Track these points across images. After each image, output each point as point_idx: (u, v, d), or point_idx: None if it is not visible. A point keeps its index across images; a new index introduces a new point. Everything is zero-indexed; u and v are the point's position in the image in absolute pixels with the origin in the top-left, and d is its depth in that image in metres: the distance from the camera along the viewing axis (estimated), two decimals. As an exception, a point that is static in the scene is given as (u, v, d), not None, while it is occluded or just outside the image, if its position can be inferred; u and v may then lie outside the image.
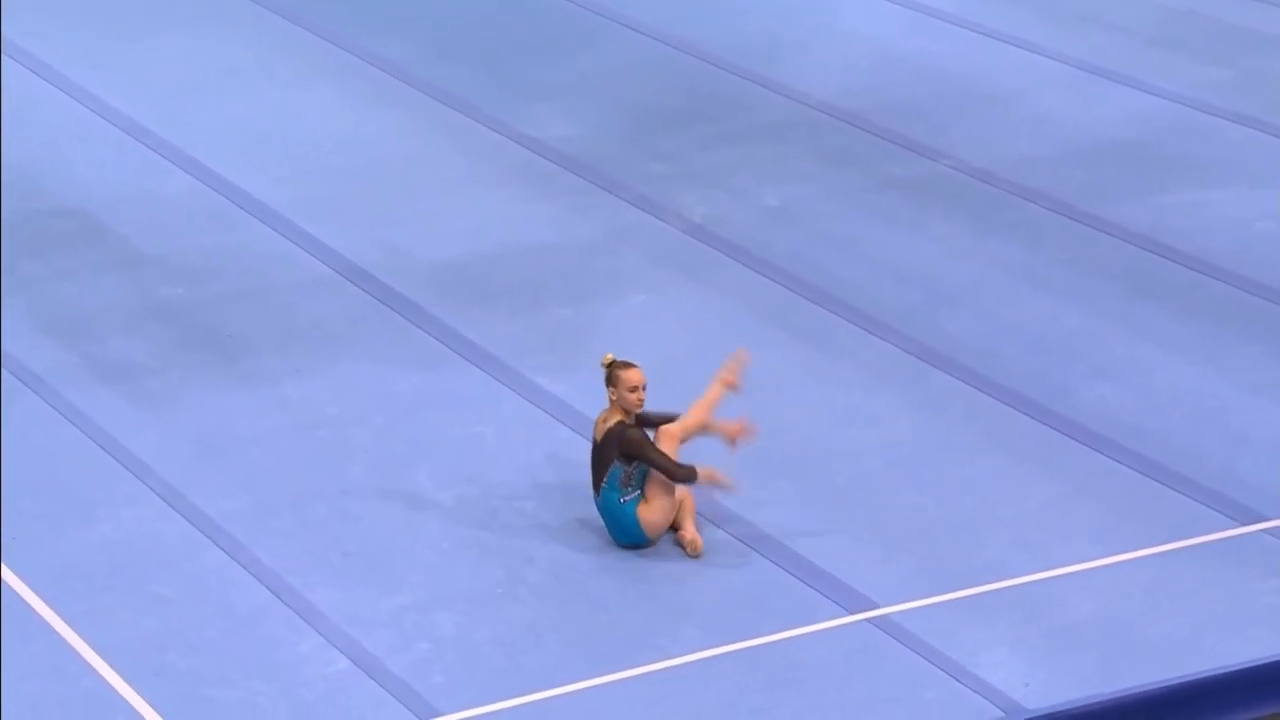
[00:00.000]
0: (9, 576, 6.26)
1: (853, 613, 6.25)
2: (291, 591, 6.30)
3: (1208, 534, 6.65)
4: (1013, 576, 6.43)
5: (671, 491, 6.46)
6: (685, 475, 6.40)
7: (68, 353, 7.67)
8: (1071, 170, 9.29)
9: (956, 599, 6.32)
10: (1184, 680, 5.92)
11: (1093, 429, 7.28)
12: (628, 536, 6.46)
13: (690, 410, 6.64)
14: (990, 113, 9.87)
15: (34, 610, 6.10)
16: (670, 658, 6.03)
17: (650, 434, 6.55)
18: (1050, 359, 7.78)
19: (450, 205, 8.99)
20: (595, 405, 7.42)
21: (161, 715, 5.69)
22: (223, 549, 6.50)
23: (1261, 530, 6.65)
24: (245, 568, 6.41)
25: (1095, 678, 5.98)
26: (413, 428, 7.27)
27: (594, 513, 6.69)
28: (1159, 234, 8.70)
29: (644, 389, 6.49)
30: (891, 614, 6.24)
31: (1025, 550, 6.57)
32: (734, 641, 6.09)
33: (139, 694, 5.77)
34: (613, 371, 6.53)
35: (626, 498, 6.43)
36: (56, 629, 6.03)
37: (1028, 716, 5.80)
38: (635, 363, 6.55)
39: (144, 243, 8.55)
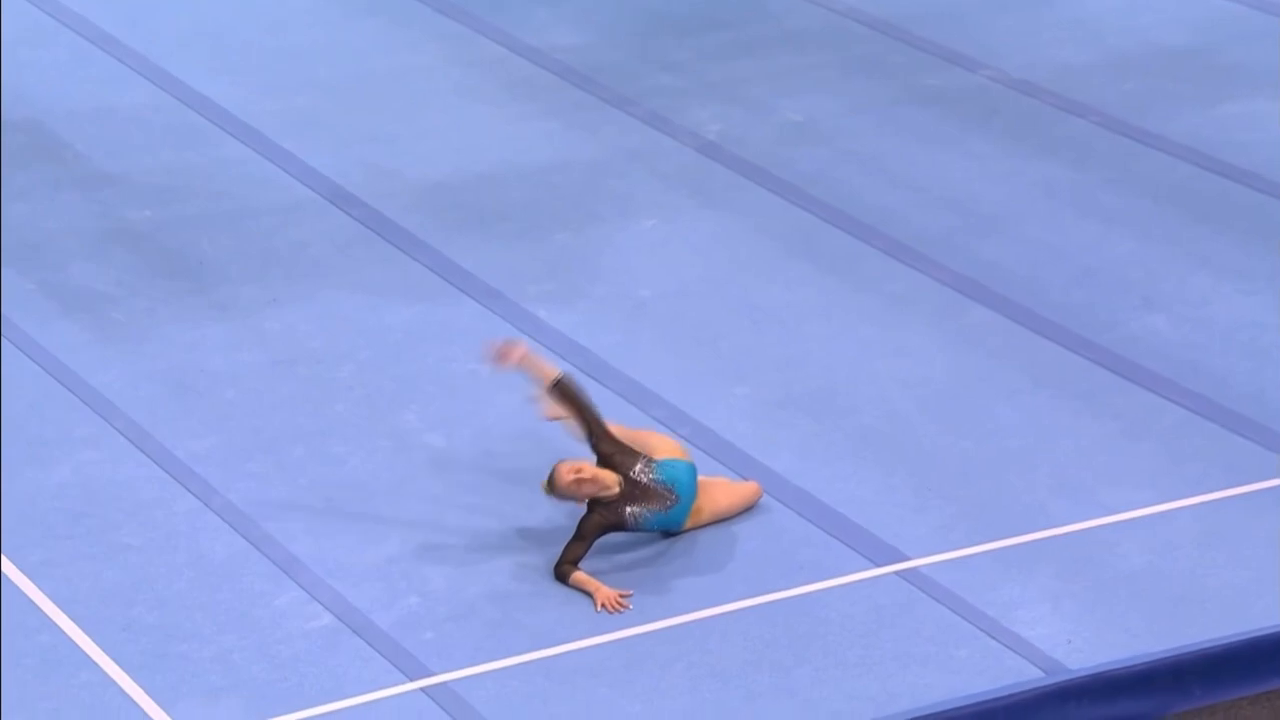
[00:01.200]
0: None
1: (880, 565, 6.22)
2: (269, 541, 6.27)
3: (1270, 479, 6.59)
4: (1055, 525, 6.39)
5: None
6: (560, 574, 6.04)
7: (23, 280, 7.62)
8: (1122, 80, 9.18)
9: (993, 550, 6.28)
10: (1243, 637, 5.88)
11: (1144, 365, 7.21)
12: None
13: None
14: (1032, 17, 9.74)
15: (-13, 559, 6.09)
16: (683, 613, 6.00)
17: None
18: (1098, 289, 7.71)
19: (443, 122, 8.91)
20: (600, 339, 7.36)
21: (128, 672, 5.68)
22: (194, 494, 6.46)
23: (1328, 475, 6.60)
24: (219, 515, 6.37)
25: (1146, 634, 5.94)
26: (402, 364, 7.22)
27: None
28: (1219, 150, 8.60)
29: (581, 471, 6.02)
30: (922, 566, 6.20)
31: (1069, 496, 6.52)
32: (752, 596, 6.06)
33: (103, 650, 5.75)
34: (552, 489, 6.11)
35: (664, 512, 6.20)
36: (13, 580, 6.01)
37: (1071, 677, 5.76)
38: (557, 466, 6.08)
39: (106, 160, 8.47)
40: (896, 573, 6.18)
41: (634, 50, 9.45)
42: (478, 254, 7.92)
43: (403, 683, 5.72)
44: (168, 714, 5.54)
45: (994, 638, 5.93)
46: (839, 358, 7.29)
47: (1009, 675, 5.78)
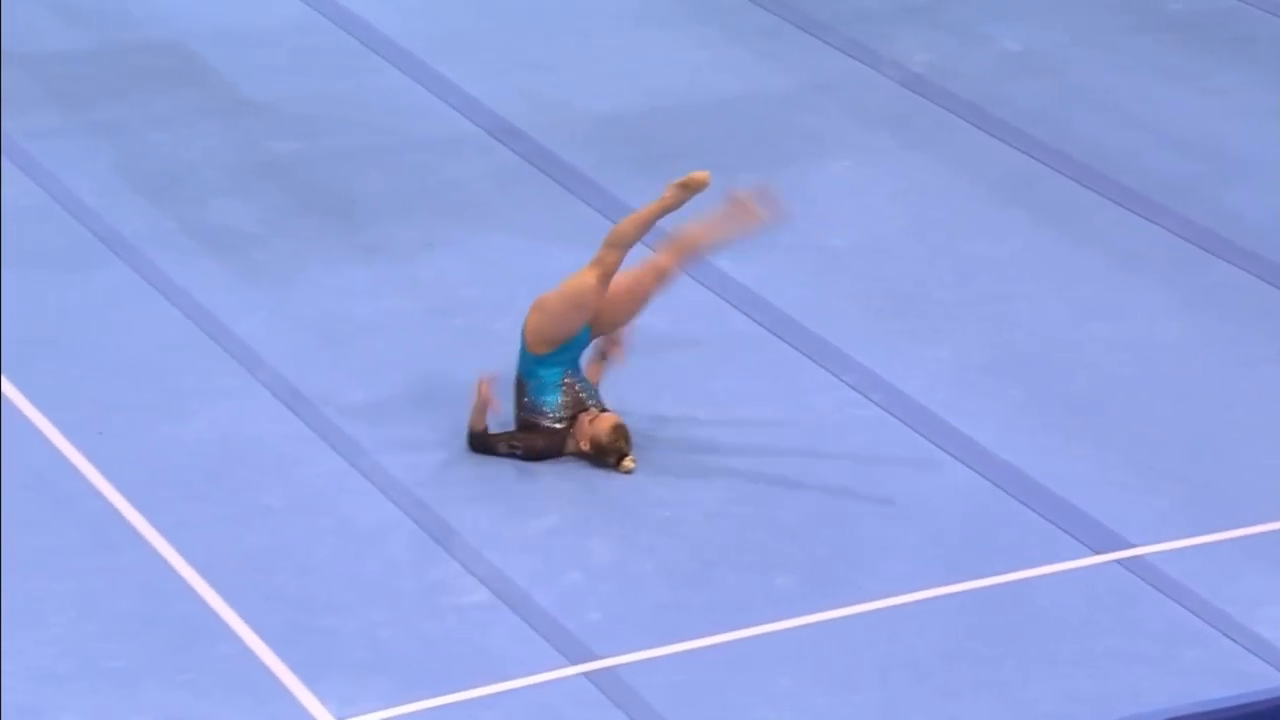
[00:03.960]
0: (93, 476, 6.44)
1: (1099, 552, 6.17)
2: (421, 506, 6.38)
3: None
4: (1305, 512, 6.30)
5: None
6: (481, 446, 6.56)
7: (161, 215, 7.82)
8: (1400, 5, 8.96)
9: (1232, 538, 6.21)
10: None
11: None
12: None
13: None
14: (1292, -65, 9.52)
15: (121, 516, 6.27)
16: (874, 599, 6.02)
17: None
18: (1361, 246, 7.55)
19: (616, 47, 8.95)
20: (787, 293, 7.38)
21: (269, 645, 5.82)
22: (341, 454, 6.59)
23: None
24: (366, 477, 6.50)
25: None
26: (566, 315, 7.29)
27: (781, 423, 6.69)
28: None
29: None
30: (1148, 555, 6.15)
31: (1322, 481, 6.43)
32: (952, 582, 6.06)
33: (243, 619, 5.89)
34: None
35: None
36: (148, 539, 6.19)
37: (1320, 686, 5.69)
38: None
39: (251, 86, 8.64)
40: (1118, 561, 6.14)
41: (831, -31, 9.43)
42: (651, 196, 7.92)
43: (564, 666, 5.80)
44: (311, 691, 5.67)
45: (1230, 637, 5.86)
46: (1055, 318, 7.22)
47: (1247, 681, 5.72)
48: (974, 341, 7.12)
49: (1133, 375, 6.93)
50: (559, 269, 7.55)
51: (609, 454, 6.49)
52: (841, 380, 6.91)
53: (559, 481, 6.49)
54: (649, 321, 7.27)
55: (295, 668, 5.74)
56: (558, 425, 6.50)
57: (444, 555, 6.18)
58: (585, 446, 6.50)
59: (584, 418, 6.50)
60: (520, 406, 6.56)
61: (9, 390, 6.78)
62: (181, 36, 8.94)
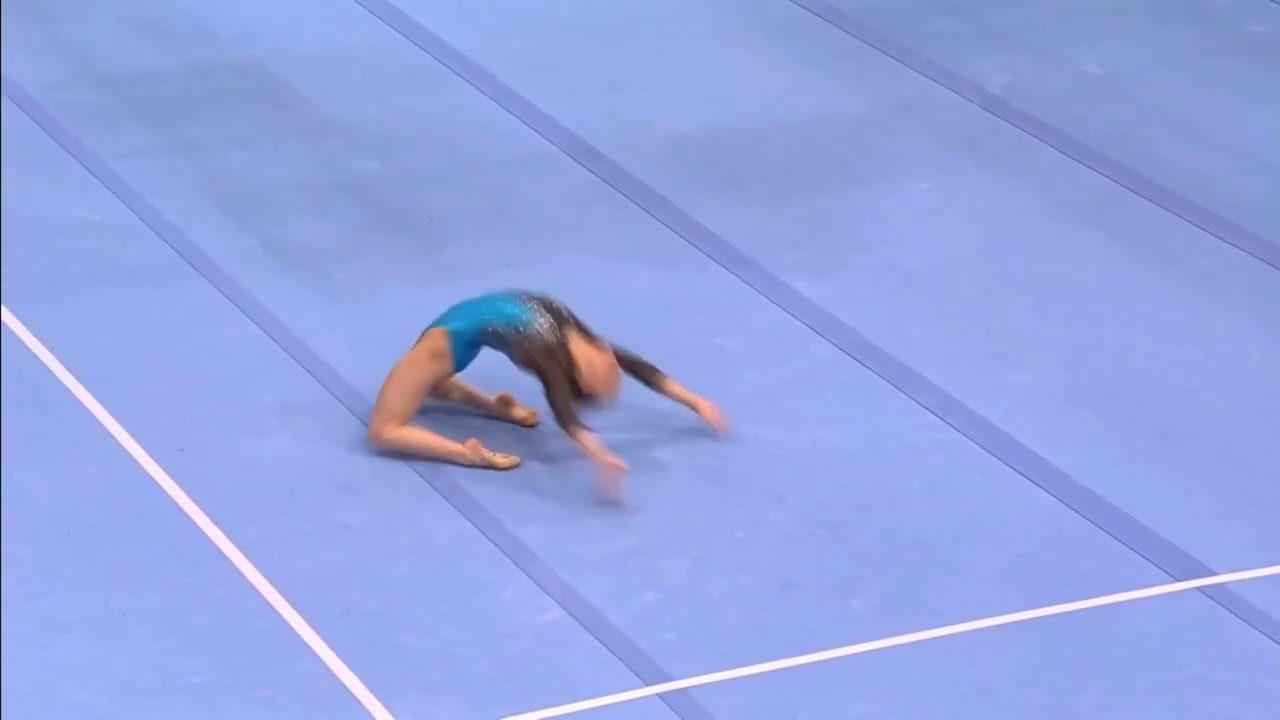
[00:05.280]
0: (174, 492, 6.49)
1: (1179, 579, 6.12)
2: (496, 526, 6.40)
3: None
4: (1388, 542, 6.22)
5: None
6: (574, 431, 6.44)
7: (242, 233, 7.89)
8: None
9: (1314, 567, 6.15)
10: None
11: None
12: None
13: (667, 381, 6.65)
14: (1377, -42, 9.44)
15: (202, 532, 6.32)
16: (951, 624, 5.99)
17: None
18: None
19: (695, 69, 8.97)
20: (862, 314, 7.36)
21: (346, 662, 5.86)
22: (418, 472, 6.63)
23: None
24: (444, 496, 6.53)
25: None
26: (643, 335, 7.31)
27: (858, 446, 6.66)
28: None
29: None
30: (1230, 583, 6.09)
31: (1405, 510, 6.35)
32: (1030, 608, 6.02)
33: (320, 636, 5.94)
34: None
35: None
36: (228, 556, 6.23)
37: (1402, 717, 5.61)
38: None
39: (332, 106, 8.71)
40: (1199, 588, 6.08)
41: (910, -9, 9.43)
42: (729, 217, 7.97)
43: (638, 687, 5.81)
44: (388, 709, 5.70)
45: (1313, 668, 5.82)
46: (1135, 342, 7.17)
47: (1328, 712, 5.67)
48: (1054, 365, 7.08)
49: (1215, 400, 6.87)
50: (635, 289, 7.58)
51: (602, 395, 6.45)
52: (919, 403, 6.89)
53: (635, 502, 6.49)
54: (724, 343, 7.28)
55: (371, 685, 5.77)
56: (548, 337, 6.46)
57: (520, 574, 6.19)
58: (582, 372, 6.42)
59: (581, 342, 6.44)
60: (509, 346, 6.51)
61: (93, 406, 6.85)
62: (263, 58, 9.03)
